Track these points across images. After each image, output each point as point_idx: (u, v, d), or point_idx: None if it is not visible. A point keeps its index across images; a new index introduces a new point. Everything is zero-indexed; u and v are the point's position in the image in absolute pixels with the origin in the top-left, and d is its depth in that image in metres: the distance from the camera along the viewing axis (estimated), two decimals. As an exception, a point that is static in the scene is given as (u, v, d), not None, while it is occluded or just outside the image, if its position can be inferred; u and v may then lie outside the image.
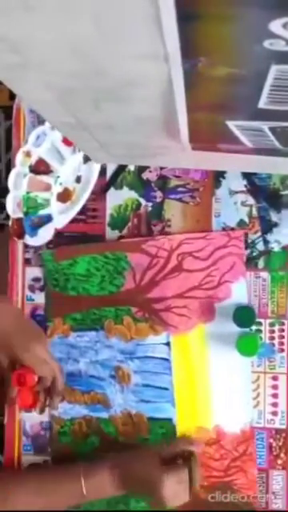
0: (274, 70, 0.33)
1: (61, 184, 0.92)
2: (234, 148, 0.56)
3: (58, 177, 0.92)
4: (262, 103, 0.39)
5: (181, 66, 0.35)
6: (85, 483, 0.81)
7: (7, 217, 0.96)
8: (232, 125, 0.46)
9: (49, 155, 0.92)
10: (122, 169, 0.92)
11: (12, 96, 1.18)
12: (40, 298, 0.94)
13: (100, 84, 0.42)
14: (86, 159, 0.91)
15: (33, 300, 0.95)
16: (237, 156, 0.61)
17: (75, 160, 0.92)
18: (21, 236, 0.93)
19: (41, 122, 0.93)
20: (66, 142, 0.91)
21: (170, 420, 0.89)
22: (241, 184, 0.89)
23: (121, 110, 0.48)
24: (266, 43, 0.30)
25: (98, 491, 0.82)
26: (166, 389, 0.90)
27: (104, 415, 0.92)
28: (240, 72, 0.35)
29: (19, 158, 0.93)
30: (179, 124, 0.48)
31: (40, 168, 0.93)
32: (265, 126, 0.45)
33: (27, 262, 0.95)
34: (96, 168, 0.91)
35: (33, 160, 0.93)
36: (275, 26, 0.28)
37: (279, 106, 0.39)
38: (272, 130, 0.46)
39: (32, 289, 0.95)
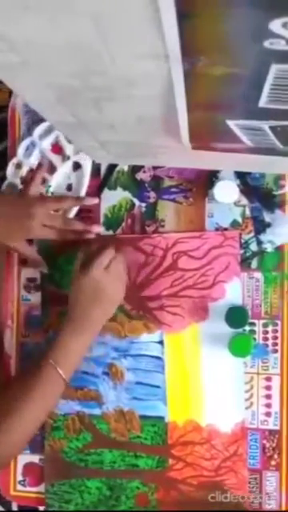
0: (275, 69, 0.33)
1: (52, 194, 0.93)
2: (234, 147, 0.56)
3: (50, 186, 0.92)
4: (263, 102, 0.39)
5: (181, 66, 0.35)
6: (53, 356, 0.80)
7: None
8: (232, 124, 0.46)
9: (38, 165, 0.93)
10: (112, 168, 0.92)
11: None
12: (35, 298, 0.94)
13: (100, 84, 0.42)
14: (76, 167, 0.92)
15: (28, 300, 0.95)
16: (237, 155, 0.61)
17: (65, 168, 0.92)
18: None
19: (29, 132, 0.93)
20: (55, 150, 0.92)
21: (161, 418, 0.90)
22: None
23: (121, 109, 0.48)
24: (266, 43, 0.30)
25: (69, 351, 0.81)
26: (157, 387, 0.90)
27: (97, 412, 0.92)
28: (240, 71, 0.35)
29: (10, 169, 0.94)
30: (179, 123, 0.48)
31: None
32: (265, 125, 0.45)
33: (22, 262, 0.95)
34: (86, 175, 0.91)
35: (23, 171, 0.93)
36: (275, 25, 0.28)
37: (280, 105, 0.39)
38: (272, 129, 0.46)
39: (27, 289, 0.95)
